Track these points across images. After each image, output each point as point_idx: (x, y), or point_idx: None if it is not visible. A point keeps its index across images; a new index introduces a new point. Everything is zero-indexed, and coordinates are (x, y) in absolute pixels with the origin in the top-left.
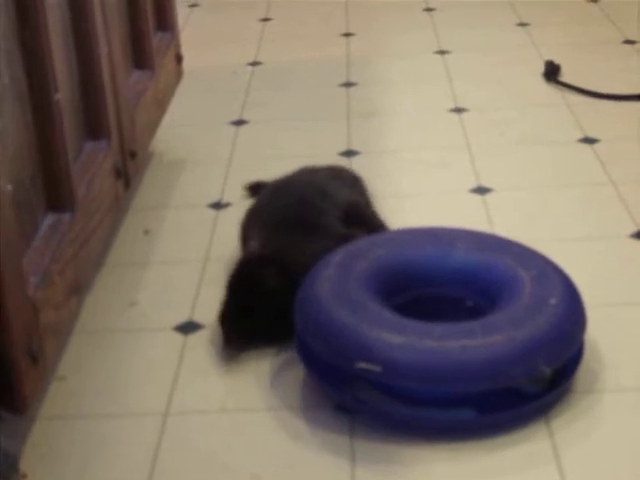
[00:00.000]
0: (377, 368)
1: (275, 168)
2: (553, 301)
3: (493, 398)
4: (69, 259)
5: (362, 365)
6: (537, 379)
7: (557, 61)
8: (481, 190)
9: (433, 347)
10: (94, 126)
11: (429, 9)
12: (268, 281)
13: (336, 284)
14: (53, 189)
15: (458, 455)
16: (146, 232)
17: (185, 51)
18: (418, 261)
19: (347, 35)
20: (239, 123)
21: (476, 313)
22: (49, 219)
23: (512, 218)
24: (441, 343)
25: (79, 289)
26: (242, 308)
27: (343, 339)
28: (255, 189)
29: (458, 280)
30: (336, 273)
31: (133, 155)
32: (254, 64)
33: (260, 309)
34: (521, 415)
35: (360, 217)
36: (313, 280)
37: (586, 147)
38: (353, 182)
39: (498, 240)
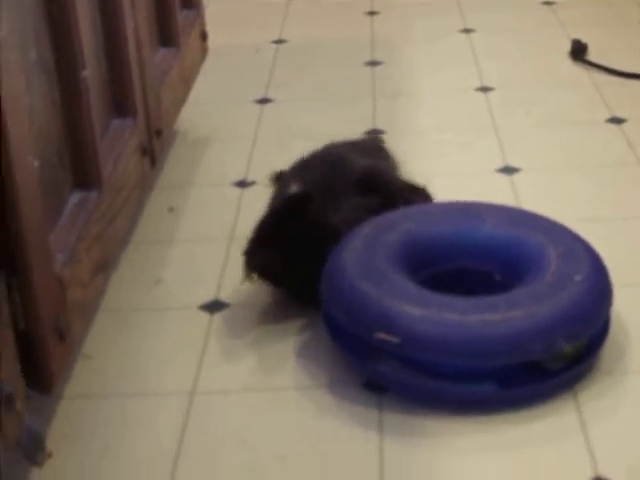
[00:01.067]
0: (395, 339)
1: (299, 147)
2: (578, 278)
3: (515, 373)
4: (95, 237)
5: (381, 335)
6: (557, 355)
7: (584, 40)
8: (508, 170)
9: (453, 320)
10: (120, 104)
11: None
12: (304, 216)
13: (362, 256)
14: (80, 166)
15: (484, 428)
16: (171, 210)
17: (209, 29)
18: (447, 235)
19: (372, 14)
20: (263, 102)
21: (504, 288)
22: (76, 197)
23: (539, 198)
24: (461, 316)
25: (105, 267)
26: (268, 236)
27: (364, 309)
28: (279, 178)
29: (487, 254)
30: (363, 245)
31: (159, 133)
32: (278, 42)
33: (289, 244)
34: (544, 391)
35: (375, 182)
36: (340, 251)
37: (613, 127)
38: (375, 150)
39: (528, 215)
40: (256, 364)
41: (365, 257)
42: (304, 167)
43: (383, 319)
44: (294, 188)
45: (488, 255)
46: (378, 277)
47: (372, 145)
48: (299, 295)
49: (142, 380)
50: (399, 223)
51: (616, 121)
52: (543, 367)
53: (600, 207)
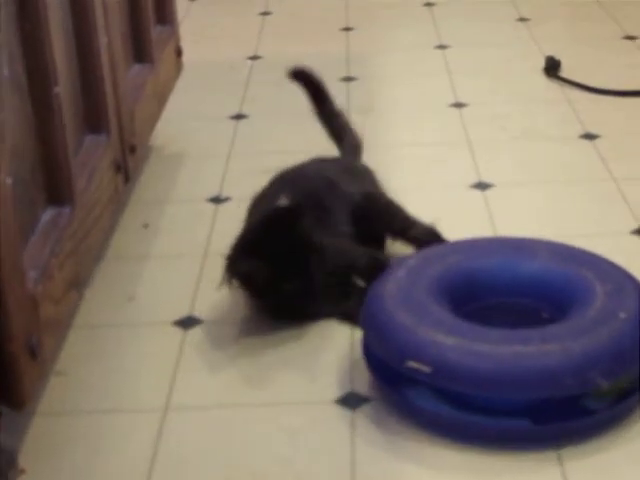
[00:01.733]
0: (426, 368)
1: (274, 163)
2: (622, 315)
3: (550, 409)
4: (68, 253)
5: (412, 364)
6: (597, 393)
7: (557, 56)
8: (482, 186)
9: (485, 351)
10: (94, 120)
11: (429, 4)
12: (294, 228)
13: (403, 285)
14: (53, 183)
15: (463, 452)
16: (145, 226)
17: (185, 45)
18: (494, 269)
19: (347, 30)
20: (238, 117)
21: (549, 324)
22: (49, 213)
23: (512, 214)
24: (494, 348)
25: (78, 283)
26: (254, 244)
27: (396, 337)
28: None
29: (533, 291)
30: (407, 275)
31: (133, 149)
32: (254, 58)
33: (274, 256)
34: (581, 429)
35: (373, 211)
36: (384, 280)
37: (587, 143)
38: (363, 172)
39: (578, 252)
40: (230, 380)
41: (406, 287)
42: (293, 181)
43: (414, 347)
44: (283, 201)
45: (535, 291)
46: (415, 307)
47: (360, 167)
48: (276, 309)
49: (115, 397)
50: (447, 255)
51: (589, 137)
52: (583, 404)
53: (573, 223)
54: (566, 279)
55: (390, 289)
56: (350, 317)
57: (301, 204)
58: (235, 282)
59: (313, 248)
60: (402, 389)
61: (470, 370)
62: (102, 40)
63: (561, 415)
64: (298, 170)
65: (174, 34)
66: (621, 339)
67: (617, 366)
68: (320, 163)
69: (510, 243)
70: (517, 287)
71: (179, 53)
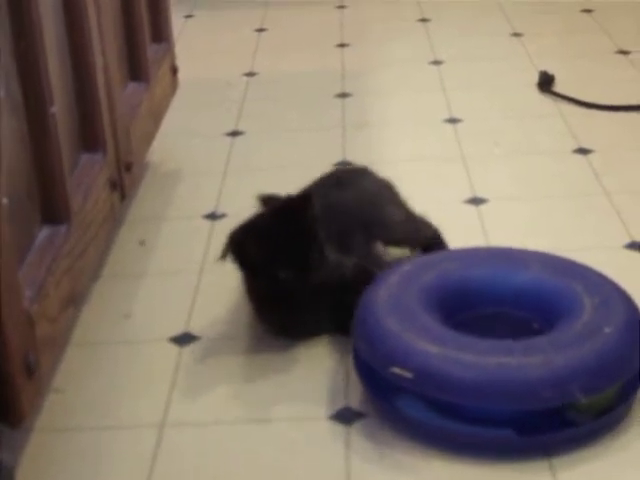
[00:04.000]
0: (409, 374)
1: (270, 179)
2: (607, 330)
3: (533, 420)
4: (64, 272)
5: (395, 370)
6: (577, 407)
7: (551, 71)
8: (476, 201)
9: (468, 360)
10: (90, 138)
11: (423, 19)
12: (301, 217)
13: (395, 292)
14: (49, 202)
15: (456, 464)
16: (142, 243)
17: (180, 62)
18: (485, 279)
19: (342, 46)
20: (234, 134)
21: (526, 339)
22: (45, 232)
23: (507, 229)
24: (477, 357)
25: (75, 301)
26: (259, 226)
27: (383, 342)
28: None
29: (524, 301)
30: (399, 281)
31: (129, 167)
32: (249, 75)
33: (276, 243)
34: (564, 440)
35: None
36: (376, 285)
37: (580, 157)
38: (389, 190)
39: (569, 264)
40: (226, 396)
41: (397, 293)
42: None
43: (399, 353)
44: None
45: (526, 302)
46: (404, 313)
47: (384, 184)
48: (266, 299)
49: (112, 413)
50: (439, 264)
51: (583, 151)
52: (565, 417)
53: (567, 237)
54: (556, 291)
55: (382, 295)
56: (344, 330)
57: (311, 196)
58: (231, 255)
59: (316, 243)
60: (390, 396)
61: (451, 378)
62: (98, 59)
63: (544, 427)
64: (346, 178)
65: (170, 52)
66: (603, 354)
67: (597, 381)
68: (361, 180)
69: (502, 253)
70: (508, 297)
71: (175, 71)
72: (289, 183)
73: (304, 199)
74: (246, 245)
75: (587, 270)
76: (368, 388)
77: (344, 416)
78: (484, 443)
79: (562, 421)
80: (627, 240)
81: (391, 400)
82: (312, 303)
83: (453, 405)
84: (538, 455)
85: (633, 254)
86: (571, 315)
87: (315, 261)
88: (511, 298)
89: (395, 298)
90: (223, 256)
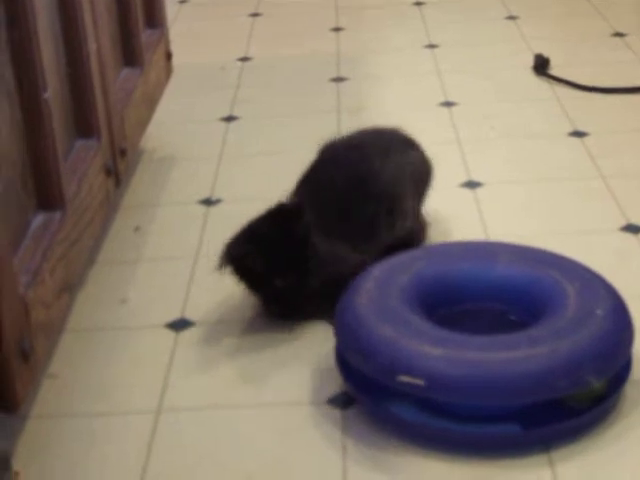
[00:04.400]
0: (420, 382)
1: (265, 164)
2: (599, 312)
3: (538, 413)
4: (60, 258)
5: (404, 379)
6: (584, 393)
7: (546, 54)
8: (471, 184)
9: (476, 359)
10: (84, 124)
11: (419, 3)
12: (296, 227)
13: (375, 298)
14: (43, 188)
15: (448, 456)
16: (137, 229)
17: (175, 48)
18: (458, 275)
19: (337, 30)
20: (229, 119)
21: (519, 327)
22: (39, 218)
23: (502, 212)
24: (484, 355)
25: (70, 287)
26: (254, 235)
27: (383, 352)
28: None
29: (500, 294)
30: (375, 286)
31: (123, 153)
32: (244, 60)
33: (270, 248)
34: (568, 431)
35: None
36: (352, 293)
37: (576, 140)
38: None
39: (540, 253)
40: (222, 382)
41: (379, 299)
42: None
43: (405, 362)
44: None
45: (501, 295)
46: (394, 319)
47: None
48: (266, 303)
49: (108, 399)
50: (411, 264)
51: (578, 134)
52: (568, 406)
53: (562, 220)
54: (533, 281)
55: (362, 302)
56: None
57: (302, 205)
58: (228, 267)
59: (311, 250)
60: (381, 400)
61: (464, 379)
62: (91, 45)
63: (549, 417)
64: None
65: (164, 37)
66: (605, 336)
67: (606, 363)
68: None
69: (474, 248)
70: (485, 292)
71: (169, 56)
72: (284, 168)
73: (296, 207)
74: (242, 257)
75: (560, 258)
76: (362, 397)
77: (340, 400)
78: (489, 441)
79: (563, 412)
80: (623, 223)
81: (385, 405)
82: (315, 300)
83: (455, 407)
84: (537, 449)
85: (628, 236)
86: (556, 303)
87: (311, 266)
88: (487, 292)
89: (378, 304)
90: (220, 267)
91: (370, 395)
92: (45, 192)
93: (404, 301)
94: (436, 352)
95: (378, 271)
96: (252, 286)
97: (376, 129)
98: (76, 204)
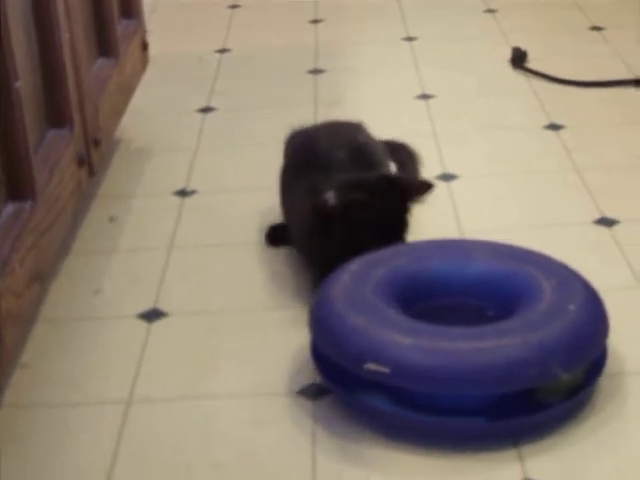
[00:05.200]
0: (385, 369)
1: (241, 155)
2: (572, 307)
3: (506, 405)
4: (30, 247)
5: (371, 366)
6: (553, 386)
7: (524, 47)
8: (447, 177)
9: (445, 348)
10: (56, 114)
11: None
12: (332, 226)
13: (350, 289)
14: (13, 178)
15: (418, 448)
16: (111, 220)
17: (152, 38)
18: (436, 271)
19: (316, 22)
20: (206, 110)
21: (495, 322)
22: (9, 208)
23: (477, 205)
24: (454, 345)
25: (41, 277)
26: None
27: (352, 340)
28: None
29: (477, 290)
30: (351, 279)
31: (97, 143)
32: (222, 51)
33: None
34: (535, 424)
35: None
36: (328, 286)
37: (551, 133)
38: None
39: (517, 250)
40: (193, 372)
41: (353, 290)
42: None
43: (373, 349)
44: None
45: (478, 291)
46: (366, 309)
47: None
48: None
49: (81, 389)
50: (388, 260)
51: (554, 127)
52: (538, 399)
53: (537, 213)
54: (509, 277)
55: (337, 293)
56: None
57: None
58: (336, 211)
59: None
60: (355, 392)
61: (431, 368)
62: (64, 34)
63: (516, 411)
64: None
65: (140, 28)
66: (576, 329)
67: (576, 356)
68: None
69: (450, 245)
70: (461, 288)
71: (145, 47)
72: (260, 160)
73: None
74: (356, 204)
75: (537, 254)
76: (332, 385)
77: (310, 392)
78: (455, 433)
79: (532, 404)
80: (597, 215)
81: (357, 395)
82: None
83: (423, 397)
84: (506, 444)
85: (602, 229)
86: (532, 298)
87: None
88: (464, 288)
89: (352, 295)
90: (325, 212)
91: (343, 386)
92: (15, 182)
93: (379, 295)
94: (406, 341)
95: (355, 266)
96: (331, 245)
97: (338, 121)
98: (47, 194)
